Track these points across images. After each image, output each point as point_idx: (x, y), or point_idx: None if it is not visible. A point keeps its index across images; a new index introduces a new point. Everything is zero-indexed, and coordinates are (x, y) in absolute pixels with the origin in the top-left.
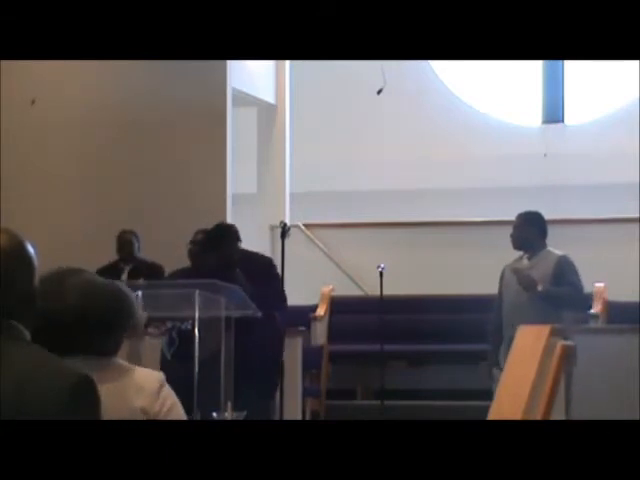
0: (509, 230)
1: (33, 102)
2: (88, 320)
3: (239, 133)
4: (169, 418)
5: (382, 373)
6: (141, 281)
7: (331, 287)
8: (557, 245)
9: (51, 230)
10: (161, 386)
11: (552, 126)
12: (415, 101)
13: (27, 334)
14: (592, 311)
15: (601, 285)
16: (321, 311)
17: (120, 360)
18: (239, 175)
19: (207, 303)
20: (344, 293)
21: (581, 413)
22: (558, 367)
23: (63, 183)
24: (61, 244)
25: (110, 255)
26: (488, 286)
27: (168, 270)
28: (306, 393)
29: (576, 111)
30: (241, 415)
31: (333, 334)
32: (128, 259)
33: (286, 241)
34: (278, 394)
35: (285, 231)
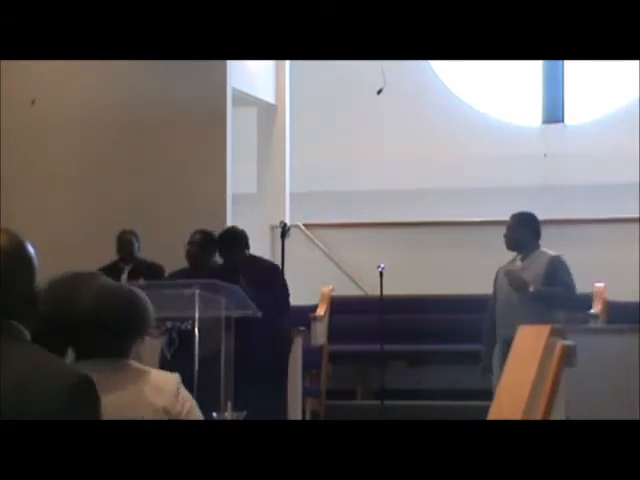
0: None
1: (33, 102)
2: (104, 324)
3: (239, 133)
4: (189, 419)
5: (382, 373)
6: (141, 281)
7: (331, 287)
8: (557, 245)
9: (51, 230)
10: (179, 387)
11: (552, 126)
12: (415, 101)
13: (27, 334)
14: (592, 311)
15: (601, 285)
16: (321, 311)
17: (134, 362)
18: (239, 175)
19: (207, 303)
20: (344, 293)
21: (581, 413)
22: (558, 367)
23: (63, 183)
24: (61, 244)
25: (110, 255)
26: (488, 286)
27: (168, 270)
28: (306, 393)
29: (576, 111)
30: (241, 415)
31: (333, 334)
32: (128, 259)
33: (286, 241)
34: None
35: (285, 231)
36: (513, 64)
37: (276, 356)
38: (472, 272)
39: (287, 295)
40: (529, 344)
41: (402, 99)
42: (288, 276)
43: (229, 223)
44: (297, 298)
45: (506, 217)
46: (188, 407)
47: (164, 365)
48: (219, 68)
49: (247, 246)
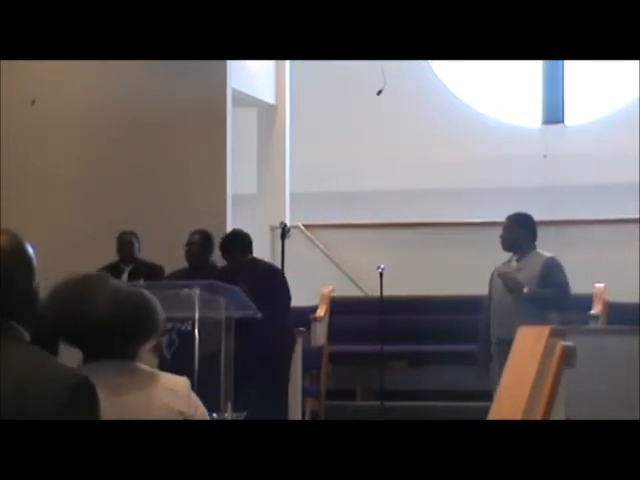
0: None
1: (33, 102)
2: (118, 327)
3: (239, 133)
4: None
5: (382, 373)
6: (141, 282)
7: (331, 288)
8: (557, 246)
9: (51, 230)
10: (189, 390)
11: (552, 126)
12: (415, 101)
13: (26, 335)
14: (592, 312)
15: (601, 285)
16: (321, 312)
17: (142, 365)
18: (239, 175)
19: (207, 304)
20: (344, 294)
21: (581, 413)
22: (558, 367)
23: (63, 183)
24: (61, 244)
25: (110, 255)
26: (488, 287)
27: (168, 270)
28: (306, 393)
29: (576, 111)
30: (241, 415)
31: (333, 335)
32: (128, 260)
33: (286, 241)
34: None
35: (285, 231)
36: (513, 64)
37: (276, 356)
38: (472, 272)
39: (288, 298)
40: (529, 345)
41: (402, 99)
42: (288, 277)
43: (229, 223)
44: (297, 299)
45: (506, 217)
46: (200, 413)
47: (164, 365)
48: (219, 68)
49: (250, 250)
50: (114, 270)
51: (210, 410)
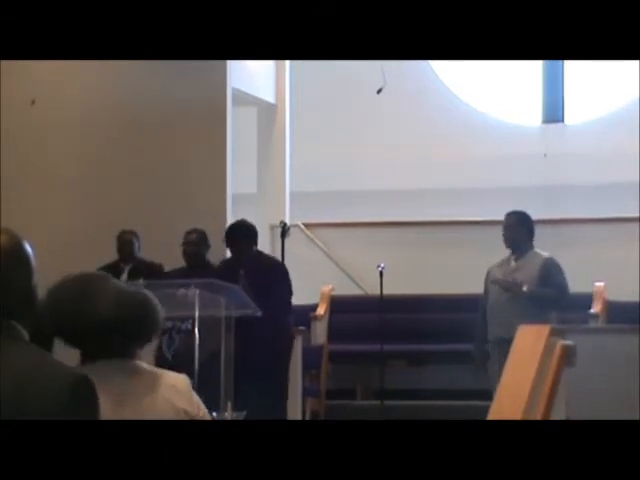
0: None
1: (33, 102)
2: (121, 327)
3: (239, 133)
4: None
5: (382, 373)
6: (141, 281)
7: (331, 287)
8: (557, 245)
9: (51, 230)
10: (191, 389)
11: (552, 126)
12: (415, 101)
13: (25, 334)
14: (592, 311)
15: (601, 285)
16: (321, 311)
17: (140, 363)
18: (239, 175)
19: (207, 303)
20: (344, 292)
21: (581, 413)
22: (558, 367)
23: (63, 183)
24: (61, 244)
25: (110, 255)
26: (483, 285)
27: (168, 270)
28: (306, 393)
29: (576, 111)
30: (241, 415)
31: (333, 334)
32: (128, 259)
33: (286, 241)
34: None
35: (285, 231)
36: (513, 64)
37: (276, 355)
38: (472, 272)
39: (289, 293)
40: (529, 344)
41: (402, 99)
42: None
43: (229, 223)
44: (297, 298)
45: None
46: (203, 412)
47: (164, 365)
48: (219, 68)
49: (255, 241)
50: (114, 269)
51: (210, 409)
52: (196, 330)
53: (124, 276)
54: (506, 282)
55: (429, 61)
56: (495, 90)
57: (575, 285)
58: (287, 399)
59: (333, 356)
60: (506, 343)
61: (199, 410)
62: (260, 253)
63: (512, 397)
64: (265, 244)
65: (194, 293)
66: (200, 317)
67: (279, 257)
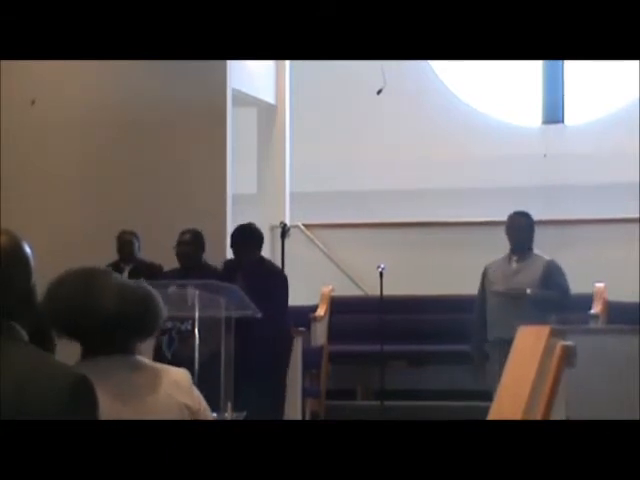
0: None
1: (33, 102)
2: (120, 322)
3: (239, 133)
4: (203, 418)
5: (382, 373)
6: (141, 281)
7: (331, 287)
8: (557, 245)
9: (51, 230)
10: (192, 383)
11: (552, 126)
12: (415, 101)
13: (24, 334)
14: (592, 311)
15: (601, 285)
16: (321, 311)
17: (141, 358)
18: (239, 175)
19: (206, 303)
20: (344, 293)
21: (581, 413)
22: (558, 367)
23: (63, 183)
24: (61, 244)
25: (110, 255)
26: (480, 284)
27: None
28: (306, 393)
29: (576, 111)
30: (241, 415)
31: (333, 334)
32: (128, 259)
33: (286, 241)
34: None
35: (285, 231)
36: (513, 64)
37: (274, 355)
38: (472, 272)
39: (286, 299)
40: (529, 344)
41: (402, 99)
42: (288, 276)
43: (229, 223)
44: (297, 298)
45: (506, 217)
46: (204, 405)
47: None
48: (219, 68)
49: (258, 247)
50: (114, 270)
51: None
52: (196, 331)
53: (124, 276)
54: (509, 294)
55: (429, 61)
56: (495, 90)
57: (575, 286)
58: (284, 400)
59: (333, 357)
60: (507, 344)
61: (200, 405)
62: (262, 259)
63: (512, 397)
64: (265, 245)
65: (192, 293)
66: (200, 318)
67: (279, 258)
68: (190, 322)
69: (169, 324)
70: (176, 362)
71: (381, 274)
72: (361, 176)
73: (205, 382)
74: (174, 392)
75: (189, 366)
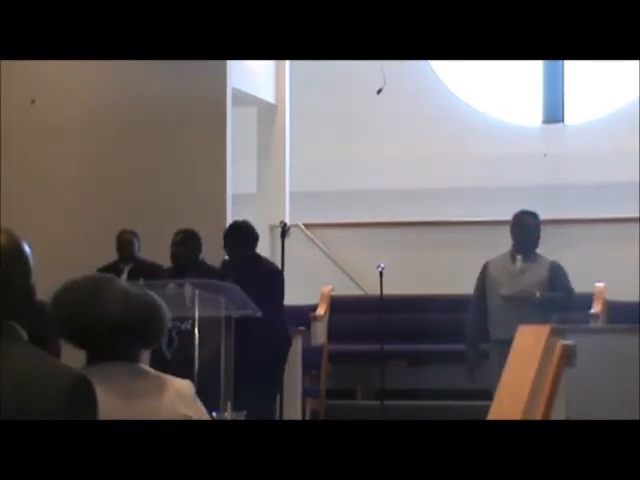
0: (509, 230)
1: (33, 102)
2: (125, 329)
3: (239, 133)
4: None
5: (382, 373)
6: (141, 281)
7: (331, 287)
8: (557, 245)
9: (51, 230)
10: (194, 395)
11: (552, 126)
12: (415, 101)
13: (24, 334)
14: (592, 311)
15: (601, 285)
16: (321, 311)
17: (145, 366)
18: (239, 175)
19: (207, 303)
20: (344, 293)
21: (581, 413)
22: (558, 367)
23: (63, 183)
24: (61, 244)
25: (110, 255)
26: (478, 282)
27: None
28: (306, 393)
29: (576, 111)
30: (241, 415)
31: (333, 334)
32: (128, 259)
33: (286, 241)
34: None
35: (285, 231)
36: (513, 64)
37: (272, 354)
38: (472, 271)
39: (281, 298)
40: (529, 344)
41: (402, 99)
42: (288, 276)
43: (229, 223)
44: (297, 298)
45: (506, 217)
46: (205, 415)
47: (163, 365)
48: (219, 67)
49: (253, 244)
50: (113, 269)
51: (210, 409)
52: (196, 330)
53: (124, 276)
54: (518, 297)
55: (429, 61)
56: (495, 90)
57: (575, 285)
58: (282, 398)
59: (333, 356)
60: (510, 344)
61: (201, 416)
62: (258, 257)
63: (512, 397)
64: (265, 244)
65: (189, 292)
66: (200, 317)
67: (279, 257)
68: (190, 322)
69: (169, 324)
70: (175, 362)
71: (381, 274)
72: (361, 176)
73: (205, 382)
74: (176, 402)
75: (189, 365)
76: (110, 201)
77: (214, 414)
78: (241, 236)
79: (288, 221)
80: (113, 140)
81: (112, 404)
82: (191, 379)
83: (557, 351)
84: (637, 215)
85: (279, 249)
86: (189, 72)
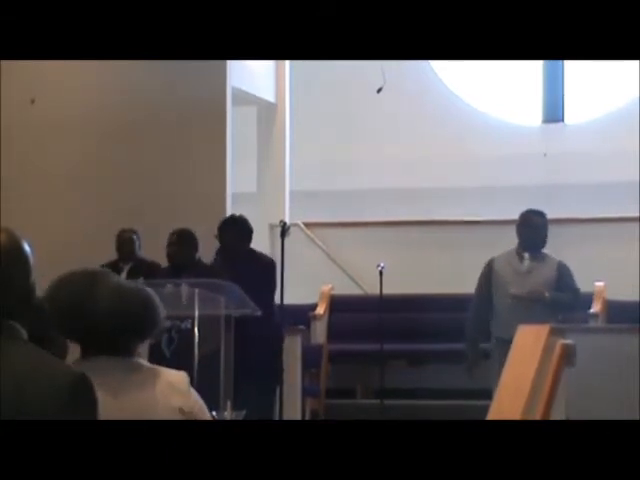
0: (509, 229)
1: (33, 102)
2: (119, 323)
3: (239, 132)
4: (200, 418)
5: (382, 372)
6: (140, 280)
7: (331, 286)
8: (557, 244)
9: (51, 230)
10: (189, 386)
11: (552, 126)
12: (415, 101)
13: (24, 333)
14: (592, 310)
15: (601, 284)
16: (321, 310)
17: (142, 360)
18: (239, 174)
19: (207, 302)
20: (344, 292)
21: (581, 413)
22: (558, 366)
23: (63, 183)
24: (61, 244)
25: (110, 254)
26: (482, 280)
27: None
28: (306, 392)
29: (576, 111)
30: (240, 414)
31: (333, 333)
32: (128, 258)
33: (286, 240)
34: (278, 393)
35: (285, 230)
36: (513, 64)
37: (265, 355)
38: (472, 271)
39: (272, 290)
40: (529, 343)
41: (402, 99)
42: (288, 275)
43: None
44: (297, 297)
45: (506, 216)
46: (199, 407)
47: (163, 364)
48: (219, 67)
49: (248, 238)
50: (113, 268)
51: (209, 408)
52: (196, 329)
53: (123, 275)
54: (528, 297)
55: (429, 61)
56: (495, 90)
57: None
58: (277, 398)
59: (333, 356)
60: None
61: (195, 406)
62: (253, 250)
63: (512, 396)
64: (265, 243)
65: (186, 291)
66: (199, 316)
67: (279, 256)
68: (190, 321)
69: (168, 323)
70: (175, 361)
71: (381, 273)
72: (361, 176)
73: (205, 381)
74: (168, 394)
75: (189, 365)
76: (110, 201)
77: (214, 413)
78: (236, 229)
79: (288, 220)
80: (113, 140)
81: (103, 399)
82: (191, 378)
83: (557, 350)
84: (637, 215)
85: (279, 248)
86: (189, 72)
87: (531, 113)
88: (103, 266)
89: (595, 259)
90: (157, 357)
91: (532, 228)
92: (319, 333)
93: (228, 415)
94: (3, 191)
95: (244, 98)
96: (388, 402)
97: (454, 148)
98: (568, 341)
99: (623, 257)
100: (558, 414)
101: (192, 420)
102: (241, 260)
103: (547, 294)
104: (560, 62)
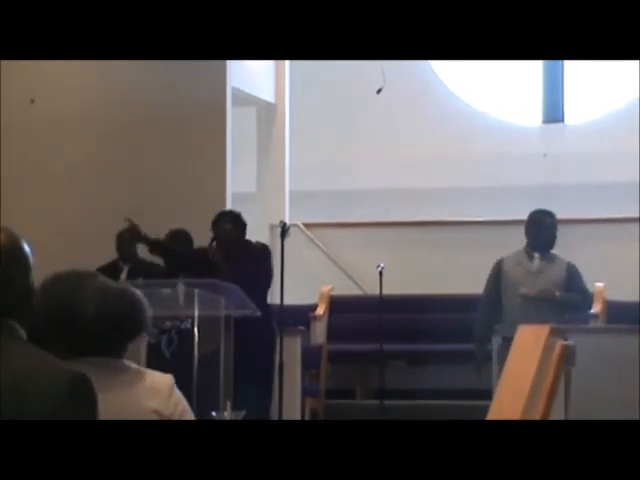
0: (509, 230)
1: (32, 101)
2: (106, 323)
3: (239, 132)
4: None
5: (381, 372)
6: (140, 280)
7: (330, 286)
8: (558, 244)
9: (51, 230)
10: (171, 389)
11: (552, 125)
12: (415, 101)
13: (23, 333)
14: (592, 311)
15: (601, 285)
16: (320, 310)
17: (129, 362)
18: (239, 174)
19: (206, 302)
20: (343, 292)
21: (581, 413)
22: (557, 367)
23: (63, 183)
24: (61, 244)
25: (110, 255)
26: (491, 279)
27: None
28: (305, 393)
29: (576, 110)
30: (240, 414)
31: (332, 333)
32: (127, 258)
33: (286, 240)
34: (277, 394)
35: (285, 230)
36: (513, 64)
37: (261, 355)
38: (472, 271)
39: (268, 279)
40: (529, 343)
41: (402, 99)
42: (287, 276)
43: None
44: (296, 297)
45: (506, 216)
46: (180, 410)
47: (162, 364)
48: (219, 67)
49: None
50: (113, 268)
51: (209, 408)
52: (195, 330)
53: (123, 275)
54: (539, 297)
55: (429, 61)
56: (495, 90)
57: None
58: (276, 398)
59: (332, 356)
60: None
61: (175, 409)
62: (248, 241)
63: (512, 396)
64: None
65: (183, 291)
66: (199, 316)
67: (278, 257)
68: (189, 321)
69: (168, 323)
70: (175, 361)
71: (380, 273)
72: (361, 176)
73: (204, 381)
74: (146, 396)
75: (188, 365)
76: (110, 201)
77: (213, 413)
78: (230, 221)
79: (288, 221)
80: (113, 140)
81: None
82: (190, 378)
83: (557, 351)
84: (637, 215)
85: (279, 249)
86: (189, 72)
87: (531, 113)
88: (103, 266)
89: (595, 259)
90: (157, 357)
91: (542, 228)
92: (319, 333)
93: (228, 415)
94: (3, 191)
95: (244, 98)
96: (388, 402)
97: (454, 148)
98: (568, 342)
99: (623, 257)
100: (558, 415)
101: (192, 420)
102: (237, 250)
103: (557, 294)
104: (560, 62)
